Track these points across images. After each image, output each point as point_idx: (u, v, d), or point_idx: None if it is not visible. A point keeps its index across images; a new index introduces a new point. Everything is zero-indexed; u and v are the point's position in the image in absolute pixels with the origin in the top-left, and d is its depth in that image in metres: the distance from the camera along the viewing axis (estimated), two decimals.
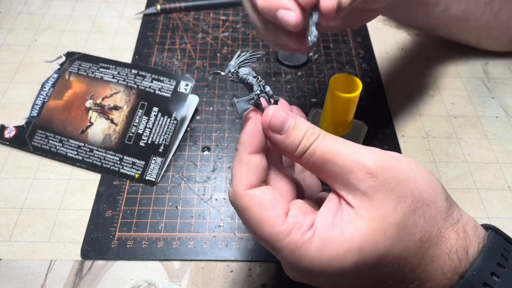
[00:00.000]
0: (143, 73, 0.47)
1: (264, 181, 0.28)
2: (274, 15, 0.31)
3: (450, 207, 0.27)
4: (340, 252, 0.25)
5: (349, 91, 0.35)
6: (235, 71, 0.29)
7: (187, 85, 0.46)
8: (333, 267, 0.25)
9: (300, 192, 0.32)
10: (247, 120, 0.28)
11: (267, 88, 0.29)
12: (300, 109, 0.33)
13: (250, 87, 0.29)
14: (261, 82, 0.29)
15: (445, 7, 0.50)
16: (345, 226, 0.26)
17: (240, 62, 0.29)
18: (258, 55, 0.29)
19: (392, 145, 0.48)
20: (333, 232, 0.25)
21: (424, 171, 0.27)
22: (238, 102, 0.28)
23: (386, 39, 0.60)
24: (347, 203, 0.26)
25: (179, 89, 0.46)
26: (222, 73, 0.29)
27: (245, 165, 0.27)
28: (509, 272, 0.26)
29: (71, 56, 0.50)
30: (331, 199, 0.28)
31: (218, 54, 0.57)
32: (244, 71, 0.29)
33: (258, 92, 0.28)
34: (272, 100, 0.29)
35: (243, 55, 0.29)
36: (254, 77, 0.29)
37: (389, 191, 0.26)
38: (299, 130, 0.27)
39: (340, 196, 0.27)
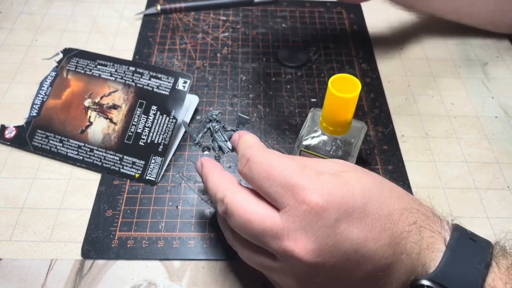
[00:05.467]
0: (141, 70, 0.47)
1: None
2: None
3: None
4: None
5: (349, 92, 0.35)
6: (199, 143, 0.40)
7: (185, 82, 0.46)
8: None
9: None
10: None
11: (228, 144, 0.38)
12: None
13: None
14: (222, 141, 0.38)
15: None
16: None
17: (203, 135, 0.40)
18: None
19: (392, 145, 0.48)
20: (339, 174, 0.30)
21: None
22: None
23: (386, 39, 0.60)
24: None
25: (177, 86, 0.46)
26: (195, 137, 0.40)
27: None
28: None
29: (68, 53, 0.50)
30: None
31: (218, 54, 0.57)
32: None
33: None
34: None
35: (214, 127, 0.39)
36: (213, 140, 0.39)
37: None
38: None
39: None
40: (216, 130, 0.38)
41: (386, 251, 0.27)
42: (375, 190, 0.29)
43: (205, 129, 0.39)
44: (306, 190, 0.28)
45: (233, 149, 0.37)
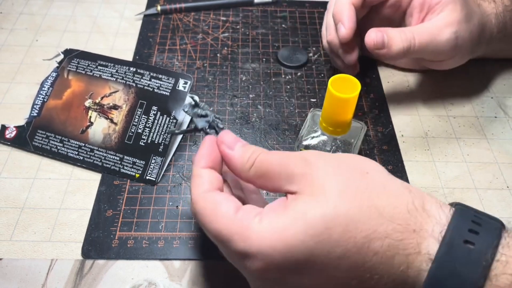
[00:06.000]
0: (142, 71, 0.47)
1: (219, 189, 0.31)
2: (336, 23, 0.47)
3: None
4: (287, 225, 0.26)
5: (348, 92, 0.36)
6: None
7: (185, 83, 0.46)
8: (282, 243, 0.26)
9: None
10: (202, 143, 0.32)
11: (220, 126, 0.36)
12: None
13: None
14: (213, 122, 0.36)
15: None
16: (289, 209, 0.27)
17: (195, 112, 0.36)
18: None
19: (392, 145, 0.48)
20: (279, 216, 0.27)
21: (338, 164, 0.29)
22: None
23: None
24: (291, 192, 0.28)
25: (178, 87, 0.46)
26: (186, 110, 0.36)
27: (197, 177, 0.30)
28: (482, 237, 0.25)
29: (69, 54, 0.50)
30: (278, 200, 0.29)
31: (218, 55, 0.57)
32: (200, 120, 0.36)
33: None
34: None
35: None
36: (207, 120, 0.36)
37: (324, 161, 0.29)
38: (248, 148, 0.31)
39: (286, 195, 0.29)
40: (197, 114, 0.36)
41: (347, 284, 0.26)
42: (323, 229, 0.26)
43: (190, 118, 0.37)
44: (244, 258, 0.27)
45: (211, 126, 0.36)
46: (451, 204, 0.28)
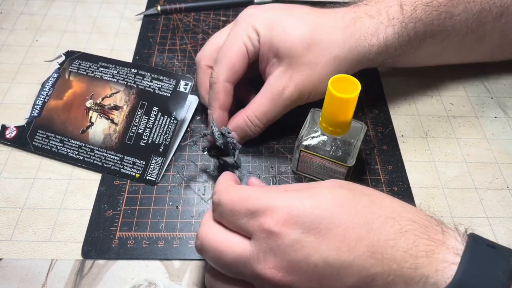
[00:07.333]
0: (143, 72, 0.48)
1: None
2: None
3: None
4: None
5: (348, 92, 0.36)
6: (221, 137, 0.42)
7: (186, 84, 0.47)
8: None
9: None
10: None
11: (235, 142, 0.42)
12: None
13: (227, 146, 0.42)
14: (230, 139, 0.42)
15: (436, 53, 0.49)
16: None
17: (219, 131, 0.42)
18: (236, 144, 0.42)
19: (391, 145, 0.48)
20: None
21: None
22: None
23: None
24: None
25: (179, 88, 0.46)
26: (215, 134, 0.42)
27: (223, 177, 0.34)
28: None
29: (71, 55, 0.50)
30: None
31: None
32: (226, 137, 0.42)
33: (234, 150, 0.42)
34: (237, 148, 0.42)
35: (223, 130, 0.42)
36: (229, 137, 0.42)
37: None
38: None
39: None
40: (236, 147, 0.42)
41: (366, 261, 0.26)
42: (349, 199, 0.28)
43: (225, 142, 0.42)
44: (265, 213, 0.28)
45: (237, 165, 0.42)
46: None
